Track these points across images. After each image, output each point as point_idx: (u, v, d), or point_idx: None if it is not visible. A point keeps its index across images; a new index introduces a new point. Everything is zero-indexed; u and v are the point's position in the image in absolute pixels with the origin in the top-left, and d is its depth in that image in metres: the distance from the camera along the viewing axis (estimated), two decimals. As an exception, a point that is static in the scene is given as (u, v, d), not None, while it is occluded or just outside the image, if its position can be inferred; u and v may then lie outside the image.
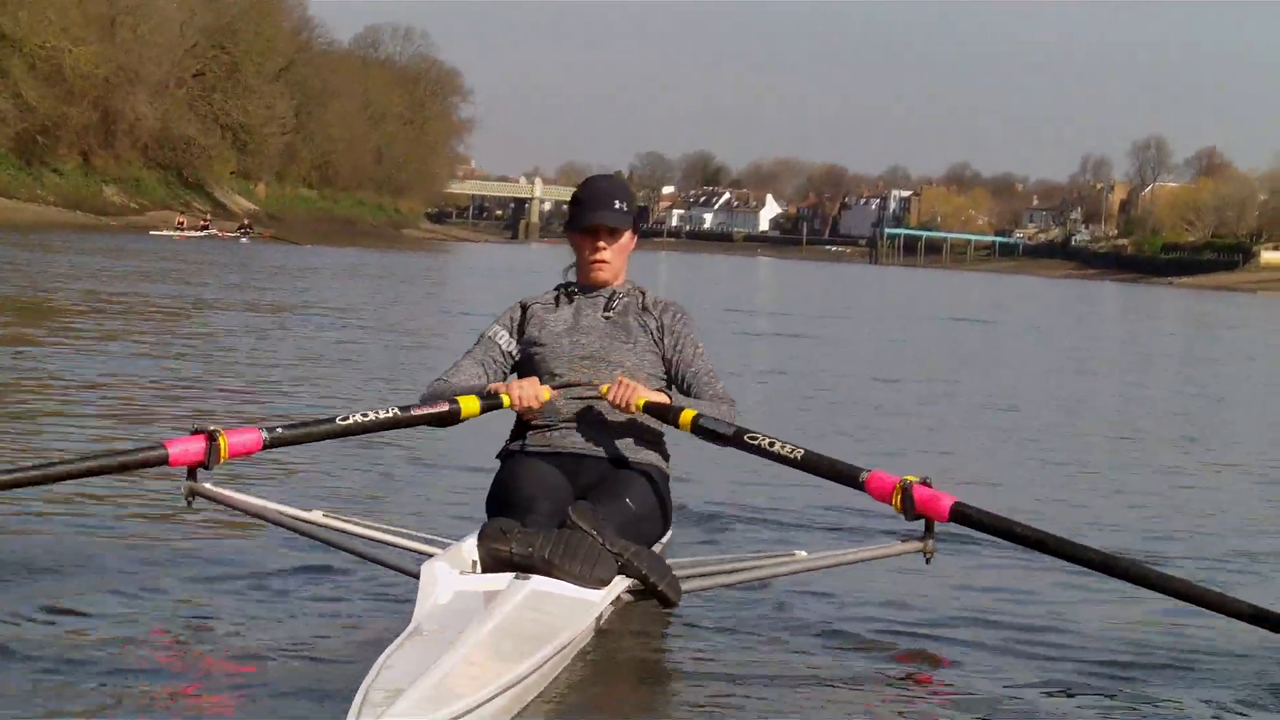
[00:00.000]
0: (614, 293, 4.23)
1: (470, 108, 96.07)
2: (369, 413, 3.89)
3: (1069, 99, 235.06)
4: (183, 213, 54.97)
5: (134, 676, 3.23)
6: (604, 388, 4.01)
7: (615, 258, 4.20)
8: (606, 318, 4.18)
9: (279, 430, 3.82)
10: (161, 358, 10.55)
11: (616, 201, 4.17)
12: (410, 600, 3.45)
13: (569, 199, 4.29)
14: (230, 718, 3.06)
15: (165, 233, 47.40)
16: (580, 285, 4.26)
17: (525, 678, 3.01)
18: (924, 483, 3.82)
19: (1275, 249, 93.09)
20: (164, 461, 3.67)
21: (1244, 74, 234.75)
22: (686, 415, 3.94)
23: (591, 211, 4.16)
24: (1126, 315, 37.06)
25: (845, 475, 3.87)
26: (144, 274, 22.90)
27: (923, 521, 3.83)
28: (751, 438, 3.90)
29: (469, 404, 3.95)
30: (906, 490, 3.79)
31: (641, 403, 3.96)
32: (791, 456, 3.87)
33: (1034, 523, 3.86)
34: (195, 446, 3.67)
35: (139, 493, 5.25)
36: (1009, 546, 4.19)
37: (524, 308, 4.28)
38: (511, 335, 4.23)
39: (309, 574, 4.27)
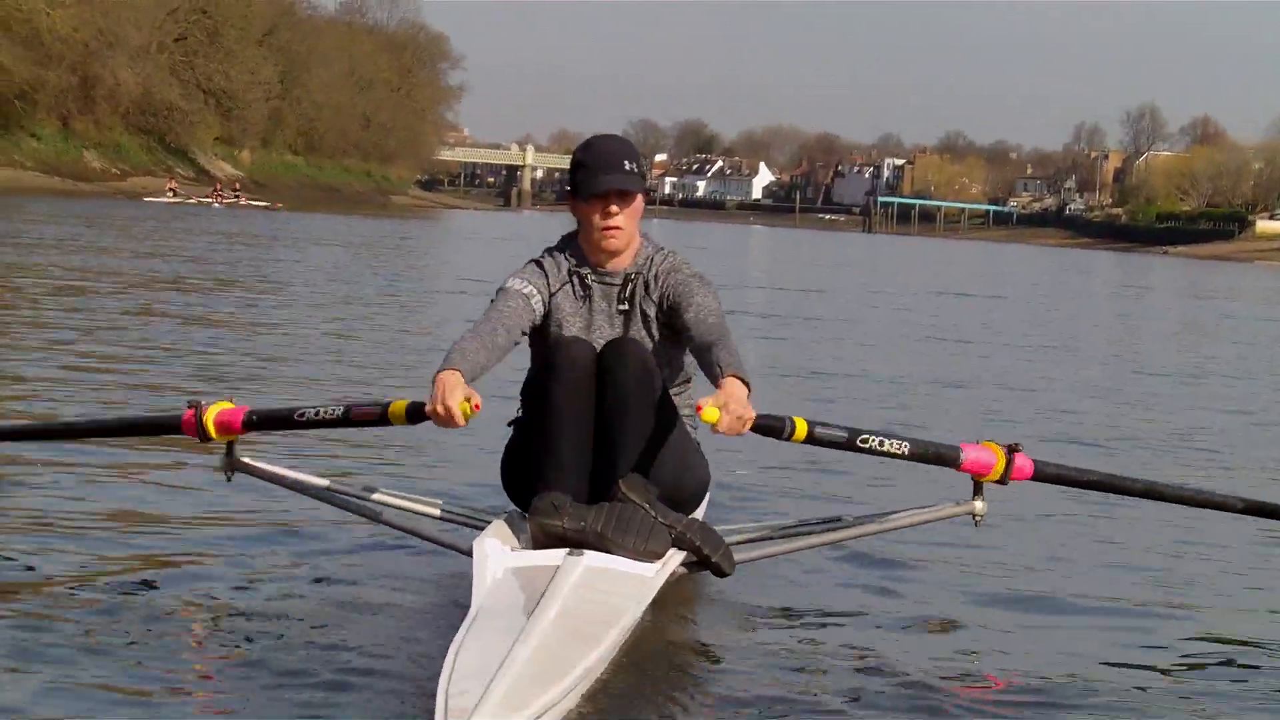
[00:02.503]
0: (626, 276, 3.78)
1: (460, 74, 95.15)
2: (325, 409, 3.59)
3: (1062, 66, 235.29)
4: (172, 178, 54.26)
5: (171, 665, 3.04)
6: (706, 412, 3.29)
7: (628, 224, 3.76)
8: (621, 311, 3.77)
9: (262, 414, 3.68)
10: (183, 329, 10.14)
11: (626, 163, 3.74)
12: (455, 573, 3.33)
13: (564, 166, 3.76)
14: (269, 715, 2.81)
15: (161, 199, 47.01)
16: (592, 264, 3.79)
17: (597, 662, 2.91)
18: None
19: (1271, 219, 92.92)
20: (177, 427, 3.63)
21: (1236, 43, 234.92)
22: (801, 429, 3.51)
23: (601, 175, 3.69)
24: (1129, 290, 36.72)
25: (945, 456, 3.69)
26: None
27: (971, 482, 3.69)
28: (863, 440, 3.63)
29: (396, 410, 3.52)
30: (1010, 458, 3.67)
31: (751, 424, 3.42)
32: (899, 452, 3.66)
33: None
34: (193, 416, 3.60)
35: (178, 469, 4.98)
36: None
37: (548, 282, 3.77)
38: (543, 301, 3.77)
39: (355, 547, 4.06)
